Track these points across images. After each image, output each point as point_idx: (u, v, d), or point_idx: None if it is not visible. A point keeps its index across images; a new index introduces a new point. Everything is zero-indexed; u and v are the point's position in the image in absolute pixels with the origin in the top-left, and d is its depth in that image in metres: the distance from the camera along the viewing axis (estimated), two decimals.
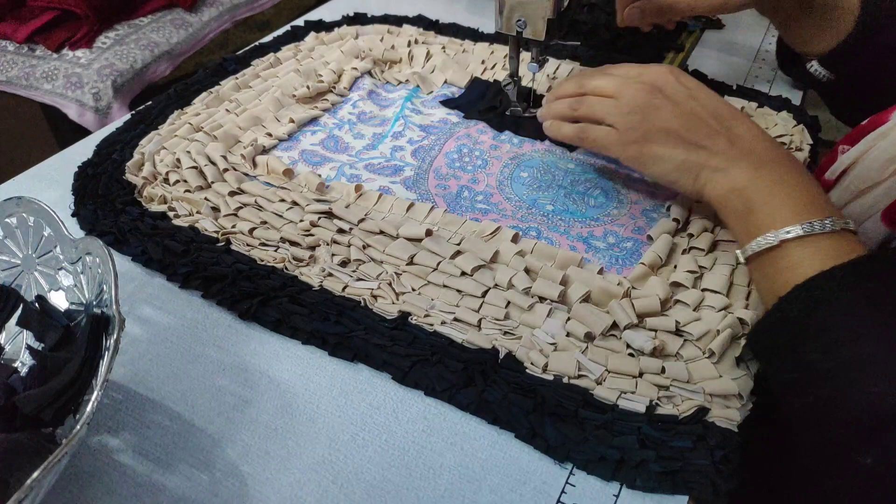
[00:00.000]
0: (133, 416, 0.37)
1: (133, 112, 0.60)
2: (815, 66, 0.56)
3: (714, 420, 0.35)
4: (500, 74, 0.65)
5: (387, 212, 0.49)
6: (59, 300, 0.38)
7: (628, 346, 0.39)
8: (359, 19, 0.76)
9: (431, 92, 0.64)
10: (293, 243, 0.46)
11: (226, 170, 0.51)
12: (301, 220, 0.47)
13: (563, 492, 0.33)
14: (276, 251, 0.46)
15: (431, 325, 0.40)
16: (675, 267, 0.44)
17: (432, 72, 0.66)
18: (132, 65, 1.03)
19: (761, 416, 0.36)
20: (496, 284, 0.42)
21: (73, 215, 0.50)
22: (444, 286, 0.43)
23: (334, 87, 0.63)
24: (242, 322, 0.42)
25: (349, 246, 0.46)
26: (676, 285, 0.42)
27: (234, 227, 0.47)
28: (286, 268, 0.44)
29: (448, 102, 0.62)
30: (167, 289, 0.44)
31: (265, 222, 0.48)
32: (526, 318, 0.41)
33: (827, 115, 0.63)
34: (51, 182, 0.53)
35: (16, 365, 0.37)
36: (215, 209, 0.49)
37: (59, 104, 1.00)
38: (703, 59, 0.72)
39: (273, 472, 0.34)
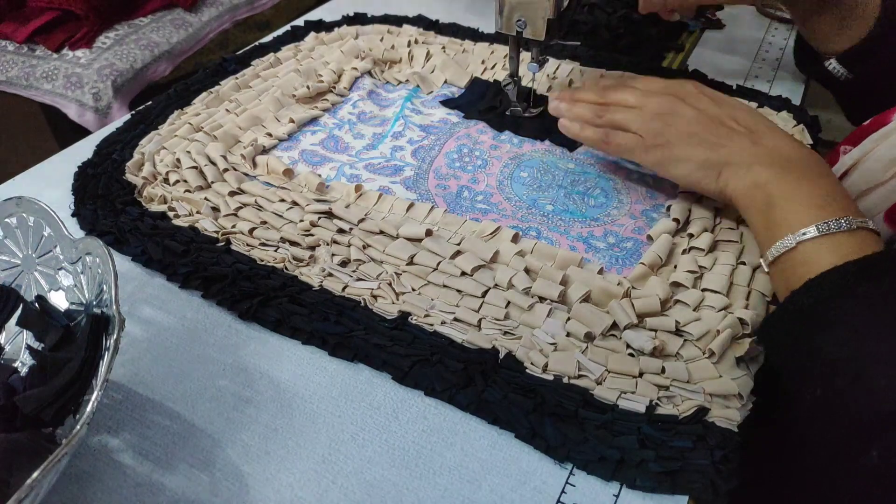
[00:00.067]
0: (133, 416, 0.37)
1: (133, 112, 0.60)
2: (833, 64, 0.56)
3: (714, 420, 0.35)
4: (500, 74, 0.65)
5: (387, 212, 0.49)
6: (59, 300, 0.38)
7: (628, 346, 0.39)
8: (359, 19, 0.76)
9: (431, 92, 0.64)
10: (293, 243, 0.46)
11: (226, 170, 0.51)
12: (301, 220, 0.47)
13: (563, 492, 0.33)
14: (276, 251, 0.46)
15: (431, 325, 0.40)
16: (675, 267, 0.44)
17: (432, 72, 0.66)
18: (132, 65, 1.03)
19: (761, 416, 0.36)
20: (496, 284, 0.42)
21: (73, 215, 0.50)
22: (444, 286, 0.43)
23: (334, 87, 0.63)
24: (242, 322, 0.42)
25: (349, 246, 0.46)
26: (676, 285, 0.42)
27: (234, 227, 0.47)
28: (286, 268, 0.44)
29: (448, 102, 0.62)
30: (167, 289, 0.44)
31: (265, 222, 0.48)
32: (526, 318, 0.41)
33: (827, 115, 0.63)
34: (51, 182, 0.53)
35: (16, 365, 0.37)
36: (215, 209, 0.49)
37: (59, 104, 1.00)
38: (703, 59, 0.72)
39: (273, 472, 0.34)
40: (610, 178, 0.53)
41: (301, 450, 0.35)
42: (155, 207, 0.50)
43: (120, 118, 0.60)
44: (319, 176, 0.52)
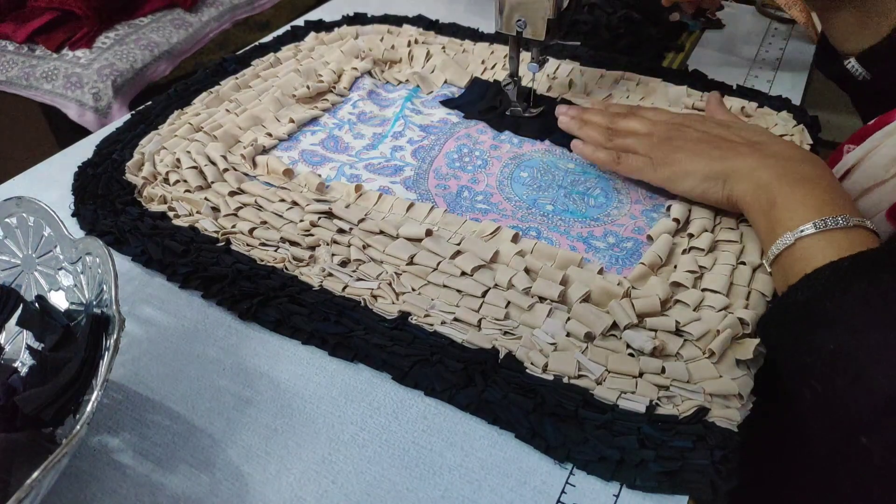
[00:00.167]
0: (133, 416, 0.37)
1: (133, 112, 0.60)
2: (852, 63, 0.56)
3: (714, 420, 0.35)
4: (500, 74, 0.65)
5: (387, 212, 0.49)
6: (59, 300, 0.38)
7: (628, 346, 0.39)
8: (359, 19, 0.76)
9: (431, 92, 0.64)
10: (293, 243, 0.46)
11: (226, 170, 0.51)
12: (301, 220, 0.47)
13: (563, 492, 0.33)
14: (276, 251, 0.46)
15: (431, 325, 0.40)
16: (675, 267, 0.44)
17: (432, 72, 0.66)
18: (132, 65, 1.03)
19: (761, 416, 0.36)
20: (496, 284, 0.42)
21: (73, 215, 0.50)
22: (444, 286, 0.43)
23: (334, 87, 0.63)
24: (242, 322, 0.42)
25: (349, 246, 0.46)
26: (676, 285, 0.42)
27: (234, 227, 0.47)
28: (286, 268, 0.44)
29: (448, 102, 0.62)
30: (167, 289, 0.44)
31: (265, 222, 0.48)
32: (526, 318, 0.41)
33: (827, 115, 0.63)
34: (51, 182, 0.53)
35: (16, 365, 0.37)
36: (215, 209, 0.49)
37: (59, 104, 1.00)
38: (703, 59, 0.72)
39: (273, 472, 0.34)
40: (610, 178, 0.53)
41: (301, 450, 0.35)
42: (155, 207, 0.50)
43: (120, 118, 0.60)
44: (319, 176, 0.52)
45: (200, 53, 1.15)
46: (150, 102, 0.61)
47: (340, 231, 0.47)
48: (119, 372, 0.39)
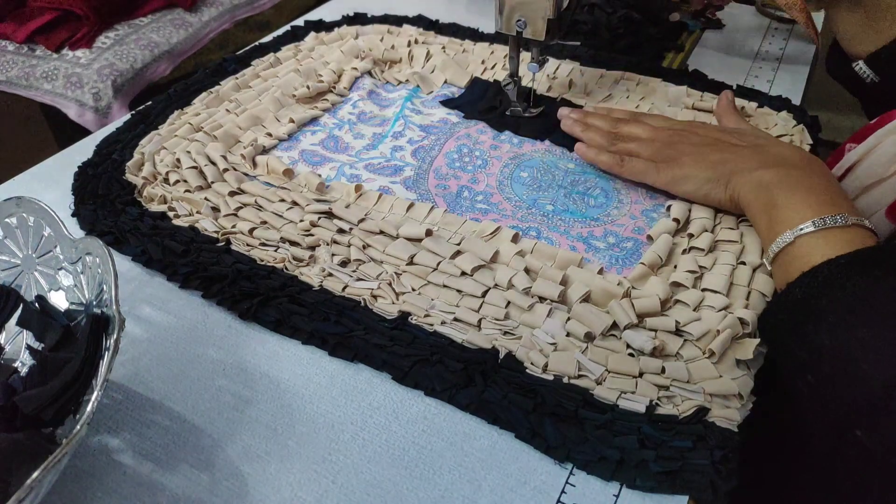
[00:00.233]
0: (133, 416, 0.37)
1: (133, 112, 0.60)
2: (860, 66, 0.56)
3: (714, 420, 0.35)
4: (500, 74, 0.65)
5: (387, 212, 0.49)
6: (59, 300, 0.38)
7: (628, 346, 0.39)
8: (359, 19, 0.76)
9: (431, 92, 0.64)
10: (293, 243, 0.46)
11: (226, 170, 0.51)
12: (301, 220, 0.47)
13: (563, 492, 0.33)
14: (276, 251, 0.46)
15: (431, 325, 0.40)
16: (675, 267, 0.44)
17: (432, 72, 0.66)
18: (132, 65, 1.03)
19: (761, 417, 0.36)
20: (496, 284, 0.42)
21: (73, 215, 0.50)
22: (444, 286, 0.43)
23: (334, 87, 0.63)
24: (242, 322, 0.42)
25: (349, 246, 0.46)
26: (676, 285, 0.42)
27: (234, 227, 0.47)
28: (286, 268, 0.44)
29: (448, 102, 0.62)
30: (167, 289, 0.44)
31: (265, 222, 0.48)
32: (526, 318, 0.41)
33: (827, 115, 0.63)
34: (51, 182, 0.53)
35: (16, 365, 0.37)
36: (215, 209, 0.49)
37: (59, 104, 1.00)
38: (703, 59, 0.72)
39: (273, 472, 0.34)
40: (610, 178, 0.53)
41: (301, 450, 0.35)
42: (155, 207, 0.50)
43: (120, 118, 0.60)
44: (319, 176, 0.52)
45: (200, 53, 1.15)
46: (150, 102, 0.61)
47: (340, 231, 0.47)
48: (119, 372, 0.39)
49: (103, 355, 0.32)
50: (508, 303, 0.41)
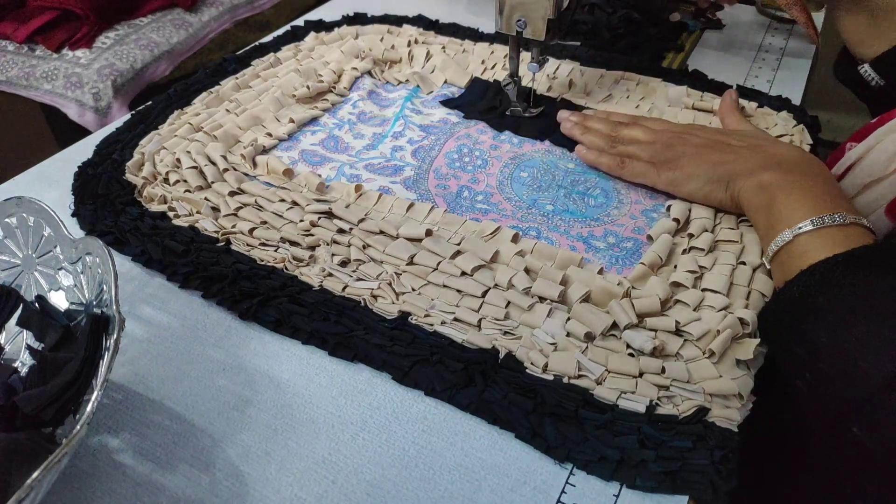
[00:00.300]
0: (133, 416, 0.37)
1: (133, 112, 0.60)
2: (866, 69, 0.56)
3: (714, 420, 0.35)
4: (500, 74, 0.65)
5: (387, 212, 0.49)
6: (59, 300, 0.38)
7: (628, 346, 0.39)
8: (359, 19, 0.76)
9: (431, 92, 0.64)
10: (293, 243, 0.46)
11: (226, 170, 0.51)
12: (301, 220, 0.47)
13: (563, 492, 0.33)
14: (276, 251, 0.46)
15: (431, 325, 0.40)
16: (675, 267, 0.44)
17: (432, 72, 0.66)
18: (132, 65, 1.03)
19: (761, 416, 0.36)
20: (496, 284, 0.42)
21: (73, 215, 0.50)
22: (444, 286, 0.43)
23: (334, 87, 0.63)
24: (242, 322, 0.42)
25: (349, 246, 0.46)
26: (676, 285, 0.42)
27: (234, 227, 0.47)
28: (286, 268, 0.44)
29: (448, 102, 0.62)
30: (167, 289, 0.44)
31: (265, 222, 0.48)
32: (526, 318, 0.41)
33: (827, 115, 0.63)
34: (51, 182, 0.53)
35: (16, 365, 0.37)
36: (215, 209, 0.49)
37: (59, 104, 1.00)
38: (703, 59, 0.72)
39: (273, 472, 0.34)
40: (610, 178, 0.53)
41: (301, 450, 0.35)
42: (155, 207, 0.50)
43: (120, 118, 0.60)
44: (319, 176, 0.52)
45: (200, 53, 1.15)
46: (150, 102, 0.61)
47: (340, 231, 0.47)
48: (119, 372, 0.39)
49: (103, 355, 0.32)
50: (508, 303, 0.41)
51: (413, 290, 0.43)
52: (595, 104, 0.62)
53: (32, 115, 1.07)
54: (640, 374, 0.37)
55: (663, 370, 0.37)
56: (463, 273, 0.43)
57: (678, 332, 0.39)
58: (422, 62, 0.67)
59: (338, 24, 0.75)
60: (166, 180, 0.52)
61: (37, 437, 0.33)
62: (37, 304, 0.38)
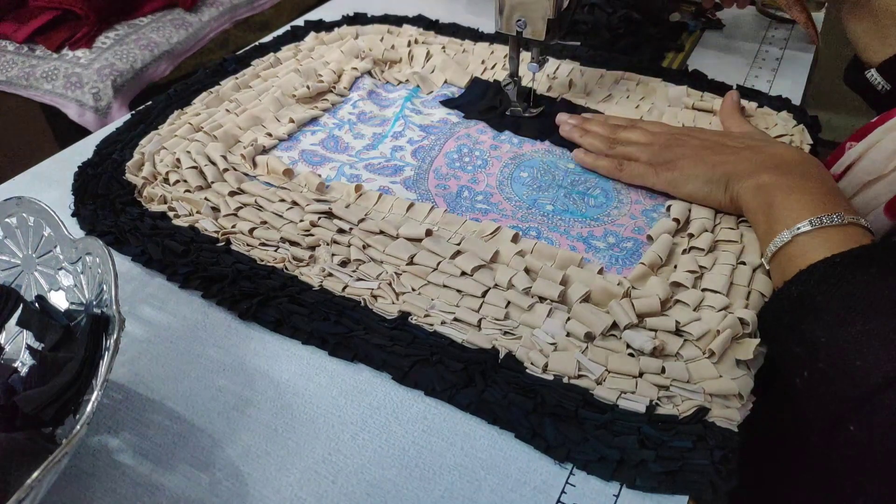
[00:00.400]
0: (133, 416, 0.37)
1: (133, 112, 0.60)
2: (872, 74, 0.56)
3: (714, 420, 0.35)
4: (500, 74, 0.65)
5: (387, 212, 0.49)
6: (59, 300, 0.38)
7: (628, 346, 0.39)
8: (359, 19, 0.76)
9: (431, 92, 0.64)
10: (293, 243, 0.46)
11: (226, 170, 0.51)
12: (301, 220, 0.47)
13: (563, 492, 0.33)
14: (276, 251, 0.46)
15: (431, 325, 0.40)
16: (675, 267, 0.44)
17: (432, 72, 0.66)
18: (132, 65, 1.03)
19: (761, 416, 0.36)
20: (496, 284, 0.42)
21: (73, 215, 0.50)
22: (444, 286, 0.43)
23: (334, 87, 0.63)
24: (242, 322, 0.42)
25: (349, 246, 0.46)
26: (676, 285, 0.42)
27: (234, 227, 0.47)
28: (286, 268, 0.44)
29: (448, 102, 0.62)
30: (167, 289, 0.44)
31: (265, 222, 0.48)
32: (526, 318, 0.41)
33: (827, 115, 0.63)
34: (51, 182, 0.53)
35: (16, 365, 0.37)
36: (215, 209, 0.49)
37: (59, 104, 1.00)
38: (703, 59, 0.72)
39: (273, 472, 0.34)
40: (610, 178, 0.53)
41: (301, 450, 0.35)
42: (155, 207, 0.50)
43: (120, 118, 0.60)
44: (319, 176, 0.52)
45: (200, 53, 1.15)
46: (150, 102, 0.61)
47: (340, 231, 0.47)
48: (119, 372, 0.39)
49: (103, 355, 0.32)
50: (508, 303, 0.41)
51: (413, 290, 0.43)
52: (595, 104, 0.62)
53: (32, 115, 1.07)
54: (640, 374, 0.37)
55: (663, 370, 0.37)
56: (463, 273, 0.43)
57: (678, 332, 0.39)
58: (422, 62, 0.68)
59: (338, 24, 0.75)
60: (166, 180, 0.52)
61: (37, 437, 0.33)
62: (37, 304, 0.38)
